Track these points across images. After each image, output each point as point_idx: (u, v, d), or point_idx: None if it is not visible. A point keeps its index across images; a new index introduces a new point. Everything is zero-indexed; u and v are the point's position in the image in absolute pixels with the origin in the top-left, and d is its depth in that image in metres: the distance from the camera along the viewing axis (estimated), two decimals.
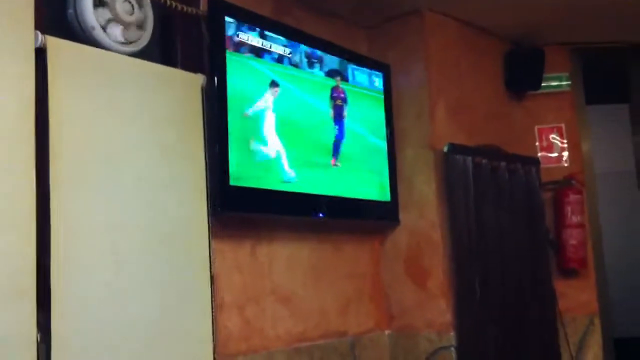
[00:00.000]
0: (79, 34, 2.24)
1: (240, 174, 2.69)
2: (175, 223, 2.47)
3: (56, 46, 2.13)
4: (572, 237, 3.99)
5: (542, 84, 4.06)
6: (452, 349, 3.31)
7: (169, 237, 2.44)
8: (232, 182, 2.65)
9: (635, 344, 4.20)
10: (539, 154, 4.13)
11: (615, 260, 4.23)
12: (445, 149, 3.45)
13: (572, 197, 4.01)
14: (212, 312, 2.56)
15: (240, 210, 2.73)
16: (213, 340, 2.54)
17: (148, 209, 2.38)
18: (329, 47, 3.27)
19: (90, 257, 2.16)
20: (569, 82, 4.20)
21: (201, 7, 2.72)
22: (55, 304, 2.04)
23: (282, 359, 2.91)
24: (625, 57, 4.35)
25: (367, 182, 3.36)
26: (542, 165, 4.02)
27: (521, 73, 3.99)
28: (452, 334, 3.33)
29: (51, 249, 2.05)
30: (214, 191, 2.61)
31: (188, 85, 2.59)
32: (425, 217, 3.46)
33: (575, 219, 3.99)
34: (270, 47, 2.93)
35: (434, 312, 3.38)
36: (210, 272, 2.59)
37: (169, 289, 2.42)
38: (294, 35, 3.07)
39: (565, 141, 4.18)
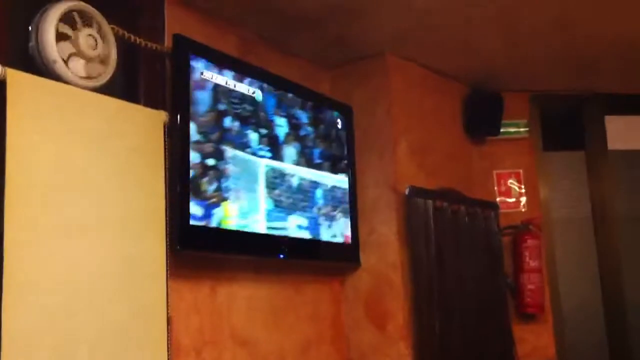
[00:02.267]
0: (41, 68, 2.19)
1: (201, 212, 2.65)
2: (132, 261, 2.40)
3: (16, 79, 2.08)
4: (530, 282, 4.02)
5: (501, 130, 4.13)
6: None
7: (124, 276, 2.37)
8: (192, 222, 2.61)
9: None
10: (498, 199, 4.19)
11: (571, 305, 4.26)
12: (407, 191, 3.47)
13: (530, 242, 4.06)
14: (168, 355, 2.48)
15: (200, 249, 2.68)
16: None
17: (105, 246, 2.31)
18: (293, 89, 3.28)
19: (41, 295, 2.07)
20: (527, 129, 4.29)
21: (166, 44, 2.71)
22: (4, 350, 1.95)
23: None
24: (581, 105, 4.46)
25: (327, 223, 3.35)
26: (501, 210, 4.06)
27: (480, 118, 4.06)
28: None
29: (2, 292, 1.96)
30: (173, 229, 2.56)
31: (150, 121, 2.55)
32: (385, 259, 3.45)
33: (533, 263, 4.03)
34: (235, 87, 2.92)
35: (394, 356, 3.35)
36: (167, 313, 2.51)
37: (123, 331, 2.34)
38: (259, 76, 3.07)
39: (523, 186, 4.24)
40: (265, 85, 3.09)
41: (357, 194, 3.55)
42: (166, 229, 2.54)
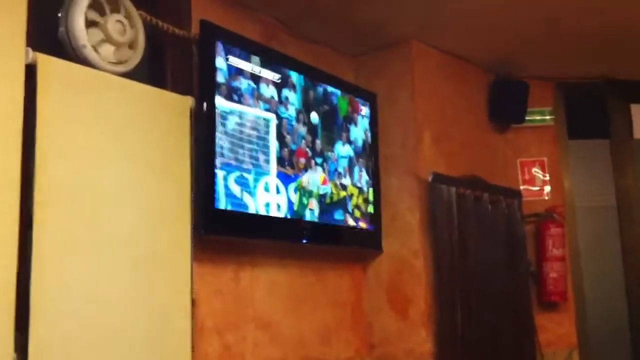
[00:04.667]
0: (70, 53, 2.23)
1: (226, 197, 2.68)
2: (158, 244, 2.45)
3: (46, 63, 2.12)
4: (552, 270, 4.01)
5: (526, 118, 4.11)
6: None
7: (151, 258, 2.41)
8: (217, 205, 2.64)
9: None
10: (521, 187, 4.17)
11: (594, 294, 4.24)
12: (430, 178, 3.47)
13: (553, 230, 4.04)
14: (192, 337, 2.53)
15: (224, 233, 2.71)
16: None
17: (131, 229, 2.36)
18: (322, 77, 3.29)
19: (70, 277, 2.13)
20: (552, 117, 4.26)
21: (192, 30, 2.73)
22: (34, 324, 2.01)
23: None
24: (606, 93, 4.42)
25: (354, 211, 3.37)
26: (524, 198, 4.05)
27: (505, 105, 4.03)
28: None
29: (32, 268, 2.02)
30: (198, 214, 2.59)
31: (177, 107, 2.58)
32: (408, 245, 3.46)
33: (556, 252, 4.01)
34: (260, 73, 2.94)
35: (415, 341, 3.37)
36: (191, 296, 2.55)
37: (149, 311, 2.38)
38: (284, 63, 3.09)
39: (547, 175, 4.22)
40: (290, 72, 3.10)
41: (381, 181, 3.56)
42: (191, 213, 2.57)
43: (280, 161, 2.98)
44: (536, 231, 4.08)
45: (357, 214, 3.39)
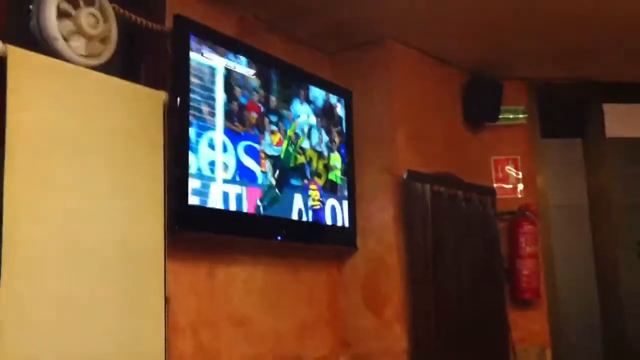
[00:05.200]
0: (41, 45, 2.19)
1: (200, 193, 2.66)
2: (131, 241, 2.41)
3: (17, 55, 2.08)
4: (525, 267, 4.04)
5: (500, 116, 4.14)
6: None
7: (123, 256, 2.37)
8: (191, 202, 2.62)
9: None
10: (495, 185, 4.19)
11: (567, 291, 4.28)
12: (405, 175, 3.47)
13: (527, 228, 4.07)
14: (166, 335, 2.50)
15: (198, 229, 2.69)
16: None
17: (104, 224, 2.32)
18: (297, 73, 3.28)
19: (39, 275, 2.08)
20: (526, 115, 4.29)
21: (166, 25, 2.70)
22: (2, 324, 1.96)
23: None
24: (580, 92, 4.47)
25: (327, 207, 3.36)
26: (498, 196, 4.07)
27: (479, 104, 4.06)
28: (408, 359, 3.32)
29: (1, 266, 1.97)
30: (172, 210, 2.56)
31: (150, 101, 2.55)
32: (383, 243, 3.47)
33: (529, 249, 4.05)
34: (235, 68, 2.92)
35: (390, 339, 3.37)
36: (165, 293, 2.52)
37: (121, 310, 2.35)
38: (259, 58, 3.07)
39: (520, 173, 4.25)
40: (265, 68, 3.08)
41: (356, 179, 3.56)
42: (165, 209, 2.54)
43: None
44: (509, 229, 4.11)
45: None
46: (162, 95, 2.60)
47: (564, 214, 4.39)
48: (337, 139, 3.48)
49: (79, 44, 2.29)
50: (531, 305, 4.09)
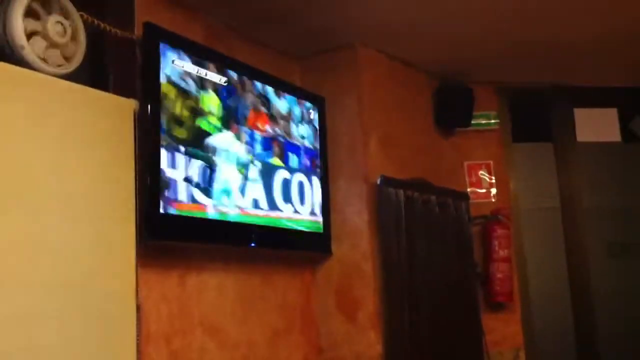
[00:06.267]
0: (7, 53, 2.17)
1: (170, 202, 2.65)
2: (101, 250, 2.39)
3: None
4: (499, 271, 4.08)
5: (472, 122, 4.18)
6: None
7: (93, 265, 2.36)
8: (162, 210, 2.61)
9: None
10: (468, 189, 4.24)
11: (540, 294, 4.33)
12: (378, 181, 3.49)
13: (500, 232, 4.11)
14: (137, 343, 2.48)
15: (169, 238, 2.68)
16: None
17: (73, 235, 2.30)
18: (268, 80, 3.28)
19: (4, 286, 2.06)
20: (497, 120, 4.34)
21: (135, 32, 2.69)
22: None
23: None
24: (550, 97, 4.52)
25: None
26: (471, 200, 4.11)
27: (451, 110, 4.10)
28: None
29: None
30: (143, 219, 2.55)
31: (120, 110, 2.54)
32: (357, 248, 3.48)
33: (502, 253, 4.09)
34: (206, 75, 2.92)
35: (364, 344, 3.38)
36: (136, 302, 2.51)
37: (91, 319, 2.33)
38: (231, 65, 3.07)
39: (493, 177, 4.30)
40: (237, 75, 3.08)
41: (330, 185, 3.56)
42: (136, 218, 2.53)
43: None
44: (483, 233, 4.16)
45: None
46: (132, 104, 2.58)
47: (537, 217, 4.44)
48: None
49: (46, 52, 2.27)
50: (505, 308, 4.14)
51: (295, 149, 3.39)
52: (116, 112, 2.52)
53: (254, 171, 3.10)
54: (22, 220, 2.13)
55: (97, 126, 2.43)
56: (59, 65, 2.32)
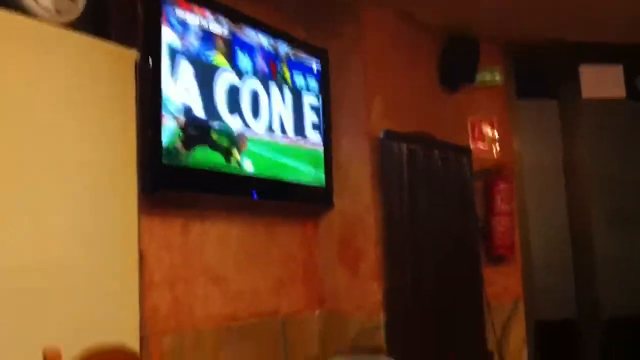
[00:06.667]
0: (7, 1, 2.18)
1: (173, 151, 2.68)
2: (104, 200, 2.43)
3: None
4: (500, 225, 4.11)
5: (477, 78, 4.15)
6: (381, 330, 3.36)
7: (96, 215, 2.39)
8: (164, 161, 2.64)
9: (556, 326, 4.37)
10: (471, 145, 4.23)
11: (540, 248, 4.36)
12: (381, 135, 3.50)
13: (502, 187, 4.14)
14: (140, 290, 2.53)
15: (171, 188, 2.72)
16: (140, 318, 2.51)
17: (75, 186, 2.33)
18: (271, 32, 3.28)
19: (8, 235, 2.10)
20: (501, 76, 4.32)
21: None
22: None
23: (212, 339, 2.91)
24: (556, 53, 4.49)
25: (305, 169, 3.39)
26: (474, 155, 4.12)
27: (456, 66, 4.07)
28: (382, 315, 3.38)
29: None
30: (145, 169, 2.58)
31: (121, 60, 2.55)
32: (359, 201, 3.51)
33: (504, 207, 4.12)
34: (209, 27, 2.92)
35: (365, 295, 3.43)
36: (139, 250, 2.55)
37: (94, 266, 2.37)
38: (234, 17, 3.06)
39: (496, 133, 4.29)
40: (240, 26, 3.08)
41: (333, 139, 3.58)
42: (138, 168, 2.56)
43: None
44: (485, 187, 4.17)
45: None
46: (133, 54, 2.59)
47: (539, 174, 4.44)
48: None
49: (46, 0, 2.28)
50: (506, 261, 4.17)
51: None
52: (117, 62, 2.53)
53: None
54: (23, 174, 2.16)
55: (97, 75, 2.44)
56: (59, 13, 2.32)
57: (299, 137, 3.39)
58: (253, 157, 3.07)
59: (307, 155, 3.43)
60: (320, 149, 3.53)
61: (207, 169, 2.83)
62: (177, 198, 2.82)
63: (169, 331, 2.72)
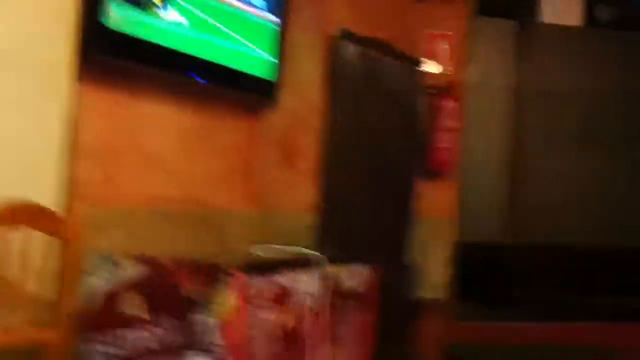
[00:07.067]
0: None
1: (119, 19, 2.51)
2: (37, 60, 2.30)
3: None
4: (442, 141, 4.12)
5: None
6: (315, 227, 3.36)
7: (27, 71, 2.26)
8: (108, 25, 2.47)
9: (481, 248, 4.49)
10: (425, 59, 4.16)
11: (478, 167, 4.42)
12: (337, 34, 3.40)
13: (449, 104, 4.13)
14: (70, 160, 2.43)
15: (110, 54, 2.55)
16: (67, 186, 2.42)
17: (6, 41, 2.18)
18: None
19: None
20: None
21: None
22: None
23: (144, 218, 2.83)
24: None
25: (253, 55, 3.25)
26: (426, 69, 4.06)
27: None
28: (315, 215, 3.38)
29: None
30: (86, 32, 2.42)
31: None
32: (306, 100, 3.44)
33: (449, 124, 4.12)
34: None
35: (301, 193, 3.43)
36: (72, 117, 2.43)
37: (23, 128, 2.26)
38: None
39: (452, 49, 4.23)
40: None
41: (286, 33, 3.44)
42: (76, 30, 2.40)
43: None
44: (433, 103, 4.13)
45: None
46: None
47: (489, 95, 4.45)
48: None
49: None
50: (442, 177, 4.20)
51: None
52: None
53: None
54: None
55: None
56: None
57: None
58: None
59: (254, 28, 3.23)
60: (273, 23, 3.33)
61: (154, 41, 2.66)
62: (119, 70, 2.66)
63: (100, 204, 2.62)
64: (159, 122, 2.90)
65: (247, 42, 3.20)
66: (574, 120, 4.51)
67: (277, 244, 3.17)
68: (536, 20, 4.44)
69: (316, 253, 3.07)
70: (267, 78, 3.35)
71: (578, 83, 4.47)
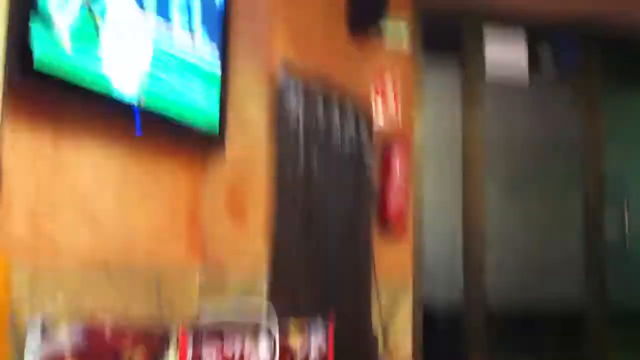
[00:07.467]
0: None
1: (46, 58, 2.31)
2: None
3: None
4: (394, 197, 4.01)
5: (383, 26, 4.01)
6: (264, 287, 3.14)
7: None
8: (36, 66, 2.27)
9: (443, 313, 4.33)
10: (373, 110, 4.08)
11: (433, 221, 4.31)
12: (281, 82, 3.29)
13: (400, 158, 4.04)
14: None
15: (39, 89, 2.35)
16: None
17: None
18: None
19: None
20: (408, 31, 4.20)
21: None
22: None
23: (77, 278, 2.56)
24: (462, 23, 4.45)
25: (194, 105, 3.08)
26: (375, 122, 3.99)
27: (363, 9, 3.88)
28: (265, 271, 3.17)
29: None
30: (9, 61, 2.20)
31: None
32: (253, 149, 3.27)
33: (399, 179, 4.03)
34: None
35: (250, 250, 3.20)
36: None
37: None
38: None
39: (398, 101, 4.17)
40: None
41: (229, 79, 3.31)
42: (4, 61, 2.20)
43: None
44: (383, 156, 4.04)
45: None
46: None
47: (439, 148, 4.40)
48: None
49: None
50: (396, 237, 4.07)
51: None
52: None
53: None
54: None
55: None
56: None
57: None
58: None
59: (196, 76, 3.08)
60: (215, 69, 3.20)
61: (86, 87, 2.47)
62: (48, 105, 2.43)
63: (28, 265, 2.34)
64: (95, 174, 2.68)
65: (187, 91, 3.04)
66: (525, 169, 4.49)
67: (225, 301, 2.94)
68: (481, 76, 4.44)
69: (267, 311, 2.84)
70: (212, 128, 3.20)
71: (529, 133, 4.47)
